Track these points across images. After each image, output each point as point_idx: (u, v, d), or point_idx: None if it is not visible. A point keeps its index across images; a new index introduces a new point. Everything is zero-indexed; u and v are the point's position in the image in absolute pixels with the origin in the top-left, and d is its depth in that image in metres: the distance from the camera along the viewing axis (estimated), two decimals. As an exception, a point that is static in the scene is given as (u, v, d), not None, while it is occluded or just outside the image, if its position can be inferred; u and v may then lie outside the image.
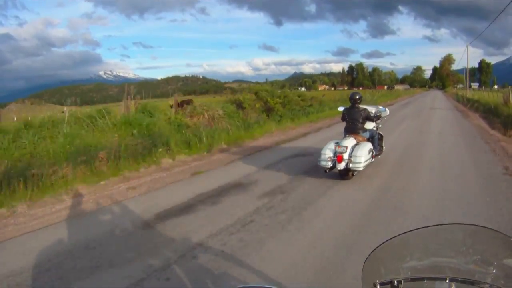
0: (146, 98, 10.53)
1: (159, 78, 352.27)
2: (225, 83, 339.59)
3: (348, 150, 4.69)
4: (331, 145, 4.83)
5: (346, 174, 4.81)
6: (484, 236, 0.78)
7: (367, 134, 5.27)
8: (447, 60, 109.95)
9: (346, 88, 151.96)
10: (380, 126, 5.93)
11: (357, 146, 4.81)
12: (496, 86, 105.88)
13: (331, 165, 4.69)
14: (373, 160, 5.14)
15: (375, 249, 0.79)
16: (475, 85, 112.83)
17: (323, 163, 4.76)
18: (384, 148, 5.74)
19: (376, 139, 5.39)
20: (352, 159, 4.63)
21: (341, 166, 4.63)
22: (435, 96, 43.41)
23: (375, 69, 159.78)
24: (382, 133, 5.74)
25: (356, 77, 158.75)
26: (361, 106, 5.37)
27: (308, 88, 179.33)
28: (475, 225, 0.77)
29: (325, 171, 4.79)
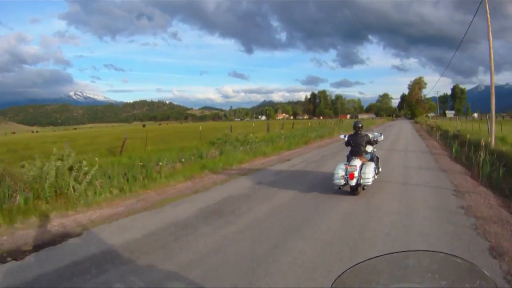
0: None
1: (129, 101, 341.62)
2: (188, 109, 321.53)
3: (358, 169, 5.39)
4: (342, 166, 5.54)
5: (356, 189, 5.48)
6: (451, 264, 0.78)
7: (368, 156, 5.96)
8: (418, 84, 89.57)
9: (306, 117, 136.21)
10: (375, 150, 6.44)
11: (364, 165, 5.51)
12: (476, 115, 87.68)
13: (344, 182, 5.41)
14: (376, 177, 5.78)
15: (341, 274, 0.77)
16: (450, 113, 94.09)
17: (337, 181, 5.43)
18: (380, 169, 6.42)
19: (375, 160, 6.09)
20: (362, 175, 5.36)
21: (353, 182, 5.35)
22: (399, 134, 21.32)
23: (338, 97, 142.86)
24: (378, 156, 6.49)
25: (318, 105, 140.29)
26: (363, 132, 6.08)
27: (268, 117, 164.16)
28: (442, 252, 0.77)
29: (339, 188, 5.56)
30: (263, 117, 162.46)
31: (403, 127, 33.17)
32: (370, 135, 6.21)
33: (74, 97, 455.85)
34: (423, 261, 0.79)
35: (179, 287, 2.81)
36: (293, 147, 13.99)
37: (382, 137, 6.68)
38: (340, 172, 5.40)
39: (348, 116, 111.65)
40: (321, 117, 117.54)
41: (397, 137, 19.26)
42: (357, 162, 5.47)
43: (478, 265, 0.72)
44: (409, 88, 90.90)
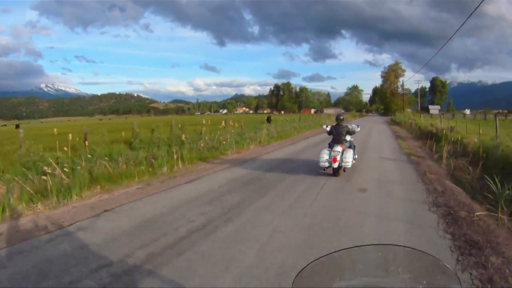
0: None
1: (98, 94, 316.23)
2: (152, 102, 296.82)
3: (340, 154, 6.22)
4: (326, 151, 6.32)
5: (338, 171, 6.28)
6: (414, 257, 0.76)
7: (347, 144, 6.78)
8: (394, 71, 68.67)
9: (267, 110, 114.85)
10: (352, 139, 7.12)
11: (344, 151, 6.33)
12: (467, 111, 70.66)
13: (328, 164, 6.23)
14: (354, 161, 6.61)
15: (304, 267, 0.75)
16: (435, 108, 75.19)
17: (322, 164, 6.22)
18: (356, 156, 7.19)
19: (353, 147, 6.92)
20: (343, 159, 6.19)
21: (335, 165, 6.17)
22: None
23: (302, 89, 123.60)
24: (355, 145, 7.26)
25: (281, 98, 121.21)
26: (344, 123, 6.90)
27: (230, 111, 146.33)
28: (405, 246, 0.76)
29: (324, 169, 6.46)
30: (224, 111, 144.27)
31: (375, 143, 13.85)
32: (349, 127, 6.99)
33: (45, 89, 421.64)
34: (386, 255, 0.76)
35: None
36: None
37: (359, 128, 7.40)
38: (325, 156, 6.24)
39: (313, 111, 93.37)
40: (283, 112, 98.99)
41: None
42: (339, 148, 6.32)
43: (441, 259, 0.70)
44: (382, 77, 70.35)
